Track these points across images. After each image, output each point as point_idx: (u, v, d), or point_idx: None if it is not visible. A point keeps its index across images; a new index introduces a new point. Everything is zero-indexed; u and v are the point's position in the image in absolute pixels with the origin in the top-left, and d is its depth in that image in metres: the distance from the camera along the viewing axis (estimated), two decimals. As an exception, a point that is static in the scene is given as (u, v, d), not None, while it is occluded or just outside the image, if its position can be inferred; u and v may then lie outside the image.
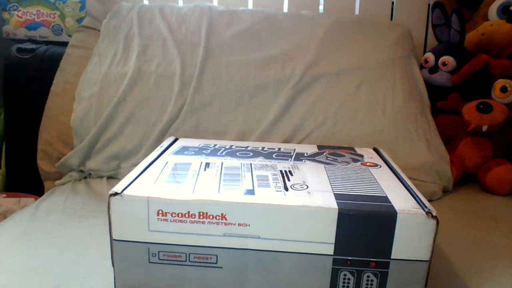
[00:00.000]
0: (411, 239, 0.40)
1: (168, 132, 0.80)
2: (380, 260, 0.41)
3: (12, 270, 0.50)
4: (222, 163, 0.52)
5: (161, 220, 0.41)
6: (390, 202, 0.42)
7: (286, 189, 0.44)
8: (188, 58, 0.84)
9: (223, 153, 0.57)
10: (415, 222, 0.40)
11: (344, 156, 0.58)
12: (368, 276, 0.41)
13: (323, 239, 0.41)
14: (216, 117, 0.81)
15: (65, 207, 0.68)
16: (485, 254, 0.58)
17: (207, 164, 0.52)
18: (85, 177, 0.83)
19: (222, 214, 0.41)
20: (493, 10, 0.93)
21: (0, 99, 1.05)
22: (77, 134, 0.82)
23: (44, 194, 0.77)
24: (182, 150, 0.58)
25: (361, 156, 0.59)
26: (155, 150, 0.58)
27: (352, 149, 0.63)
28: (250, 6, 1.06)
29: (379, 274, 0.41)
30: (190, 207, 0.41)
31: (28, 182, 0.95)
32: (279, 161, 0.55)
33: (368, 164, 0.55)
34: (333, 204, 0.41)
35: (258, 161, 0.54)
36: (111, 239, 0.42)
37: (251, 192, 0.43)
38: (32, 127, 0.91)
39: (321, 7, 1.07)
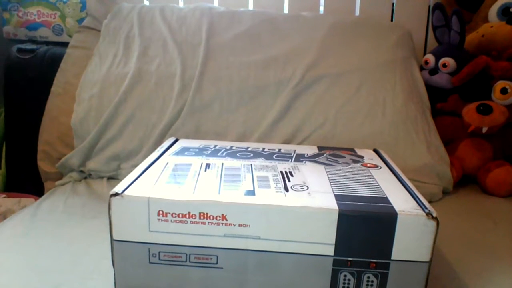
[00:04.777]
0: (412, 240, 0.40)
1: (169, 133, 0.80)
2: (380, 261, 0.41)
3: (12, 270, 0.50)
4: (222, 164, 0.53)
5: (161, 220, 0.41)
6: (391, 203, 0.42)
7: (287, 190, 0.44)
8: (189, 59, 0.85)
9: (224, 154, 0.57)
10: (415, 223, 0.40)
11: (344, 157, 0.59)
12: (368, 277, 0.41)
13: (323, 240, 0.41)
14: (216, 118, 0.81)
15: (65, 208, 0.68)
16: (485, 255, 0.58)
17: (208, 165, 0.52)
18: (85, 178, 0.83)
19: (222, 214, 0.41)
20: (493, 11, 0.93)
21: (0, 99, 1.05)
22: (78, 135, 0.82)
23: (44, 194, 0.77)
24: (183, 151, 0.58)
25: (361, 157, 0.59)
26: (156, 150, 0.58)
27: (352, 150, 0.63)
28: (250, 7, 1.06)
29: (379, 275, 0.41)
30: (191, 208, 0.41)
31: (28, 183, 0.95)
32: (279, 162, 0.55)
33: (368, 165, 0.55)
34: (333, 205, 0.41)
35: (259, 162, 0.54)
36: (112, 240, 0.42)
37: (251, 193, 0.43)
38: (32, 128, 0.91)
39: (321, 8, 1.07)
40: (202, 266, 0.42)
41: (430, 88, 0.90)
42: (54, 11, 1.07)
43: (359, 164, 0.55)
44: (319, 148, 0.64)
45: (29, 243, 0.56)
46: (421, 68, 0.93)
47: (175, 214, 0.41)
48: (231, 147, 0.61)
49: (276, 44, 0.88)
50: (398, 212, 0.40)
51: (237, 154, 0.57)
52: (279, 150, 0.61)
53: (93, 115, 0.81)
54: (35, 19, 1.07)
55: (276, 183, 0.46)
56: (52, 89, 0.89)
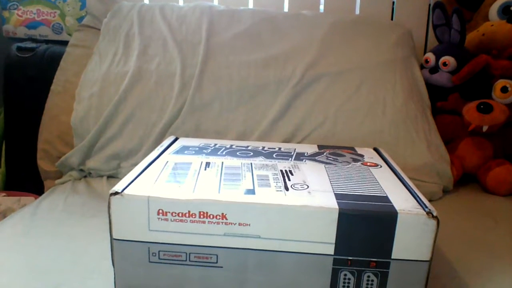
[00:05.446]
0: (412, 239, 0.40)
1: (168, 132, 0.80)
2: (381, 260, 0.41)
3: (12, 270, 0.50)
4: (222, 162, 0.52)
5: (161, 219, 0.41)
6: (391, 202, 0.42)
7: (287, 188, 0.44)
8: (189, 58, 0.84)
9: (224, 153, 0.57)
10: (415, 222, 0.40)
11: (344, 156, 0.58)
12: (368, 276, 0.41)
13: (323, 239, 0.41)
14: (216, 117, 0.81)
15: (65, 206, 0.68)
16: (485, 254, 0.58)
17: (208, 164, 0.52)
18: (85, 176, 0.83)
19: (222, 213, 0.41)
20: (493, 10, 0.93)
21: (0, 98, 1.05)
22: (77, 134, 0.82)
23: (44, 193, 0.77)
24: (183, 150, 0.58)
25: (362, 156, 0.59)
26: (155, 149, 0.58)
27: (352, 149, 0.63)
28: (250, 5, 1.06)
29: (379, 274, 0.41)
30: (191, 207, 0.41)
31: (28, 181, 0.94)
32: (279, 160, 0.55)
33: (368, 164, 0.55)
34: (333, 204, 0.41)
35: (259, 160, 0.54)
36: (111, 239, 0.42)
37: (251, 191, 0.43)
38: (32, 126, 0.91)
39: (321, 7, 1.07)
40: (202, 265, 0.42)
41: (431, 87, 0.90)
42: (54, 10, 1.07)
43: (359, 163, 0.55)
44: (319, 147, 0.64)
45: (29, 242, 0.56)
46: (422, 67, 0.93)
47: (175, 213, 0.41)
48: (231, 146, 0.61)
49: (276, 43, 0.88)
50: (398, 211, 0.40)
51: (237, 153, 0.57)
52: (279, 149, 0.61)
53: (93, 114, 0.81)
54: (35, 18, 1.07)
55: (276, 182, 0.46)
56: (52, 87, 0.89)
